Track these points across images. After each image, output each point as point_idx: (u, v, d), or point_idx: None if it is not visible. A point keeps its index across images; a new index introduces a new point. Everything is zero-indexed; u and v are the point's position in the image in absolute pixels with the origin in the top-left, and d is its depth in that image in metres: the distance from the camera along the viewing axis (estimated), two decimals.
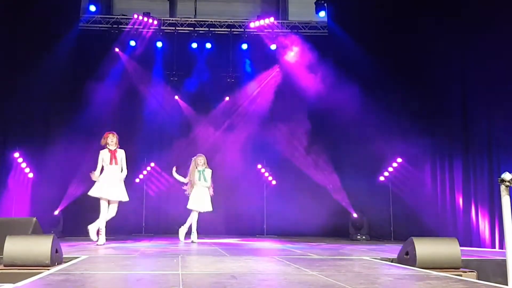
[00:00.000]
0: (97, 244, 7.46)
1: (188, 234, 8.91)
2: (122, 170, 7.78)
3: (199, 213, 8.86)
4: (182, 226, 9.01)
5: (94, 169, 7.70)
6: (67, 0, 11.67)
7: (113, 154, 7.71)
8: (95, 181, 7.64)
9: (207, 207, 8.83)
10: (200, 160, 8.93)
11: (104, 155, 7.72)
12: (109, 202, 7.67)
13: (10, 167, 10.17)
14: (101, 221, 7.60)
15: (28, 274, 4.17)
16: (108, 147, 7.76)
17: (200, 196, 8.78)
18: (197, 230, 8.82)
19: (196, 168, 8.87)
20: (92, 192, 7.61)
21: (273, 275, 4.22)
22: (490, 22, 8.20)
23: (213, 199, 9.06)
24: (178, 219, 11.95)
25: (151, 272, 4.32)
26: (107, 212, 7.63)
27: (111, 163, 7.65)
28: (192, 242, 8.60)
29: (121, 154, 7.79)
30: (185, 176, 9.01)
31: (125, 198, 7.77)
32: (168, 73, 12.68)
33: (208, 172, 8.89)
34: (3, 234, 4.87)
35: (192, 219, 8.80)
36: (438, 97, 9.57)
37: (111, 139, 7.75)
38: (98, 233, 7.63)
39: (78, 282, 3.53)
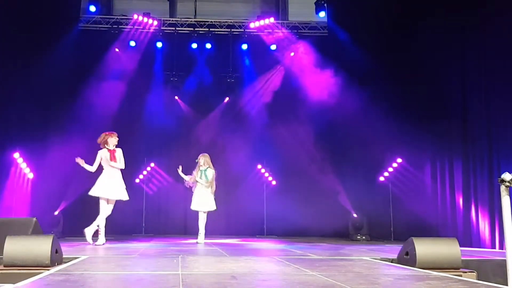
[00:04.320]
0: (95, 244, 7.47)
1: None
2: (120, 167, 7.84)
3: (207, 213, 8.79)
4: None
5: (99, 171, 7.75)
6: (67, 0, 11.67)
7: (112, 153, 7.76)
8: (94, 180, 7.68)
9: (209, 206, 8.77)
10: (201, 159, 8.91)
11: (103, 154, 7.77)
12: (108, 201, 7.69)
13: (10, 167, 10.17)
14: (101, 219, 7.62)
15: (28, 275, 4.17)
16: (107, 147, 7.81)
17: (201, 196, 8.76)
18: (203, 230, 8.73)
19: (200, 168, 8.88)
20: (93, 192, 7.63)
21: (273, 275, 4.22)
22: (491, 22, 8.20)
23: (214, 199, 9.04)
24: (178, 219, 12.04)
25: (151, 272, 4.32)
26: (106, 211, 7.65)
27: (111, 159, 7.69)
28: (197, 243, 8.49)
29: (119, 153, 7.85)
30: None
31: (125, 197, 7.80)
32: (168, 73, 12.68)
33: (210, 172, 8.85)
34: (3, 234, 4.86)
35: (199, 220, 8.75)
36: (438, 97, 9.57)
37: (111, 141, 7.82)
38: (97, 233, 7.63)
39: (78, 282, 3.53)
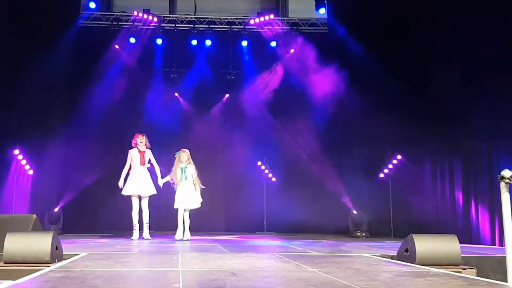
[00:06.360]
0: (131, 239, 7.96)
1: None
2: (154, 168, 8.27)
3: (191, 210, 8.39)
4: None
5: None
6: None
7: (142, 155, 8.11)
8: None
9: (193, 204, 8.28)
10: (183, 156, 8.27)
11: (133, 154, 8.12)
12: (140, 198, 8.12)
13: (10, 164, 10.16)
14: (134, 215, 8.12)
15: (28, 271, 4.17)
16: (138, 147, 8.11)
17: (183, 194, 8.22)
18: (190, 227, 8.39)
19: (179, 165, 8.28)
20: (125, 192, 8.06)
21: (273, 272, 4.22)
22: (492, 23, 8.17)
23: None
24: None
25: (151, 269, 4.32)
26: (138, 208, 8.11)
27: (141, 164, 8.07)
28: (183, 240, 8.21)
29: (148, 154, 8.19)
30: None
31: (153, 191, 8.18)
32: (168, 70, 12.67)
33: (191, 169, 8.26)
34: (3, 231, 4.87)
35: (178, 217, 8.27)
36: (438, 94, 9.54)
37: (140, 140, 8.14)
38: (132, 228, 8.18)
39: (78, 279, 3.53)
